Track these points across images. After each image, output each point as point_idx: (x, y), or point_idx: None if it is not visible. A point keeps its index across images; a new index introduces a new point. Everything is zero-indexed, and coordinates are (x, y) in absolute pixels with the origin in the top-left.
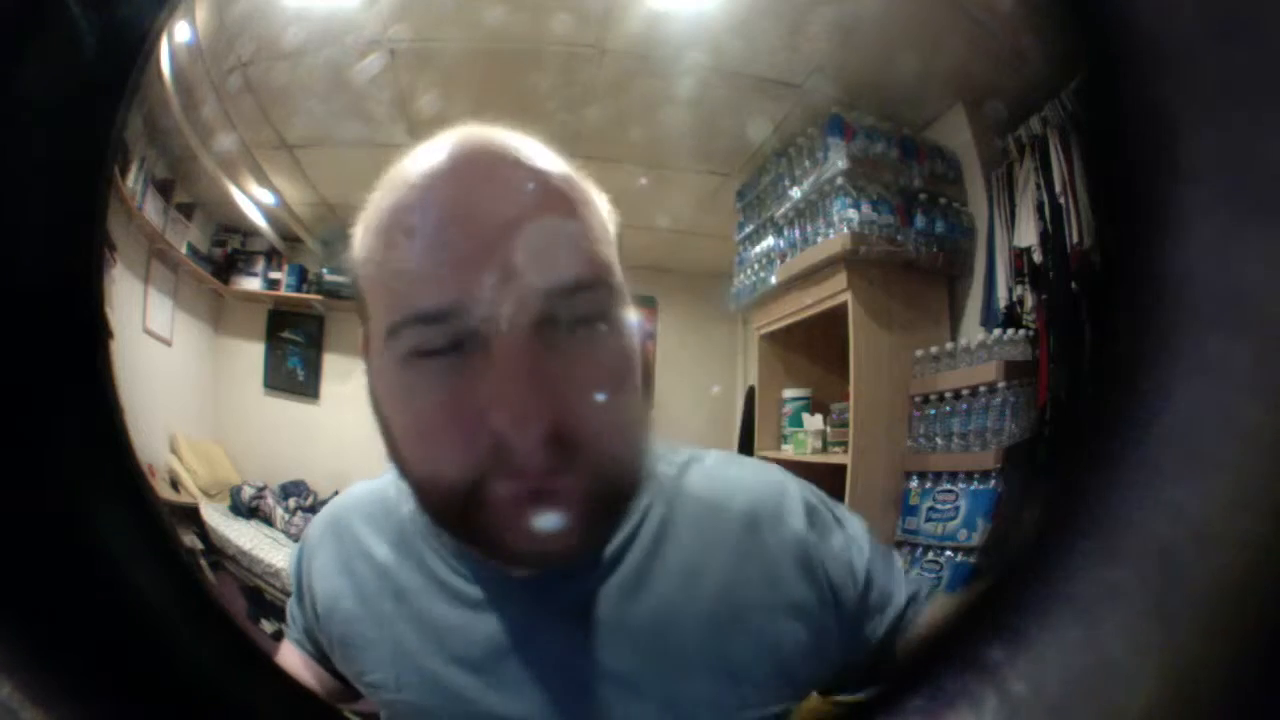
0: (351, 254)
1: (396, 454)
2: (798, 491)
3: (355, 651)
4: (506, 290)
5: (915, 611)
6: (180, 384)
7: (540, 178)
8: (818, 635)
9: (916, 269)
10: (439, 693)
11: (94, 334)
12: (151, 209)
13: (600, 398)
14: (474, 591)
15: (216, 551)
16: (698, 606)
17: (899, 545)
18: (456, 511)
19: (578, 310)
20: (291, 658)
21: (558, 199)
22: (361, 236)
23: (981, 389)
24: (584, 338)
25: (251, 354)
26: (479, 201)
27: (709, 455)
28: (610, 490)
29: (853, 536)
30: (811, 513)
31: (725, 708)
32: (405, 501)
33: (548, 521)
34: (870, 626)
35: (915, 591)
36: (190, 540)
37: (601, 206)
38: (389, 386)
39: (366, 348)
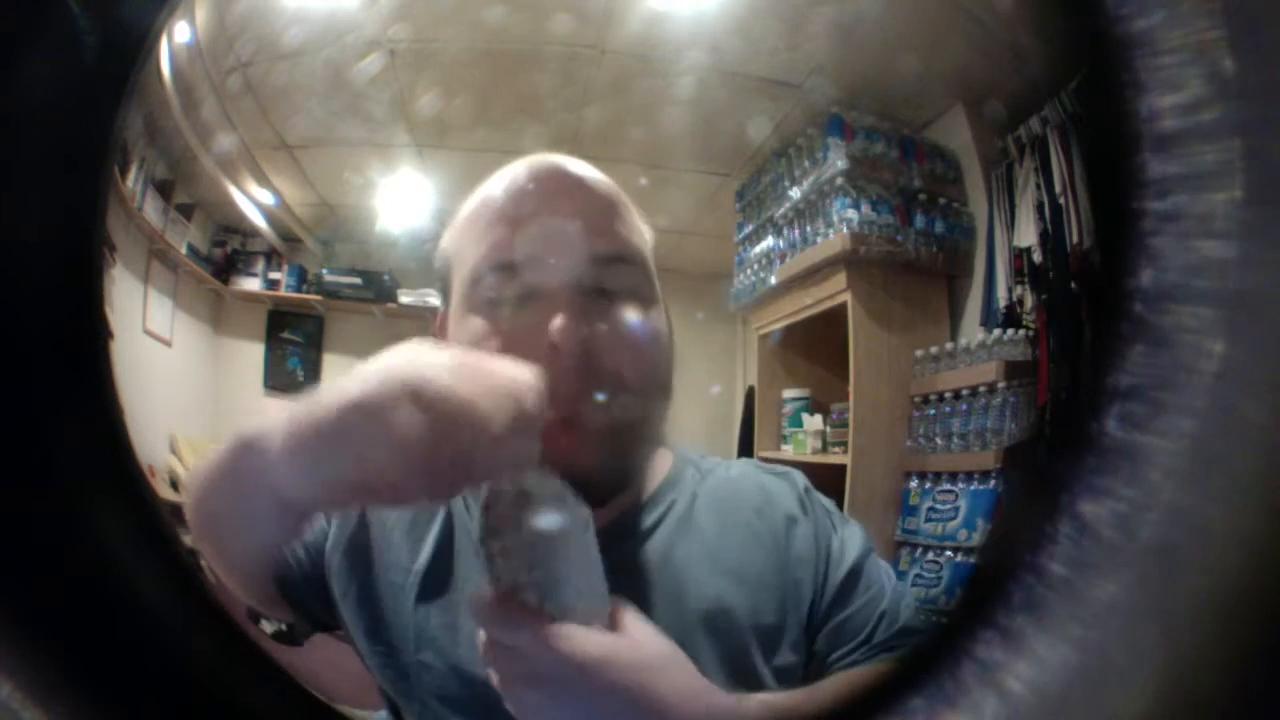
0: (441, 247)
1: None
2: (800, 483)
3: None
4: (559, 252)
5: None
6: (180, 384)
7: (593, 185)
8: (788, 600)
9: (916, 269)
10: (459, 648)
11: (94, 334)
12: (151, 209)
13: (626, 351)
14: None
15: None
16: (712, 577)
17: (899, 546)
18: None
19: (617, 281)
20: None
21: (604, 199)
22: (452, 231)
23: (981, 389)
24: (620, 305)
25: (251, 354)
26: (544, 196)
27: (735, 463)
28: (626, 431)
29: (840, 531)
30: (803, 501)
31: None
32: None
33: (574, 440)
34: (828, 602)
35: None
36: (190, 540)
37: (639, 218)
38: (466, 332)
39: (443, 326)
